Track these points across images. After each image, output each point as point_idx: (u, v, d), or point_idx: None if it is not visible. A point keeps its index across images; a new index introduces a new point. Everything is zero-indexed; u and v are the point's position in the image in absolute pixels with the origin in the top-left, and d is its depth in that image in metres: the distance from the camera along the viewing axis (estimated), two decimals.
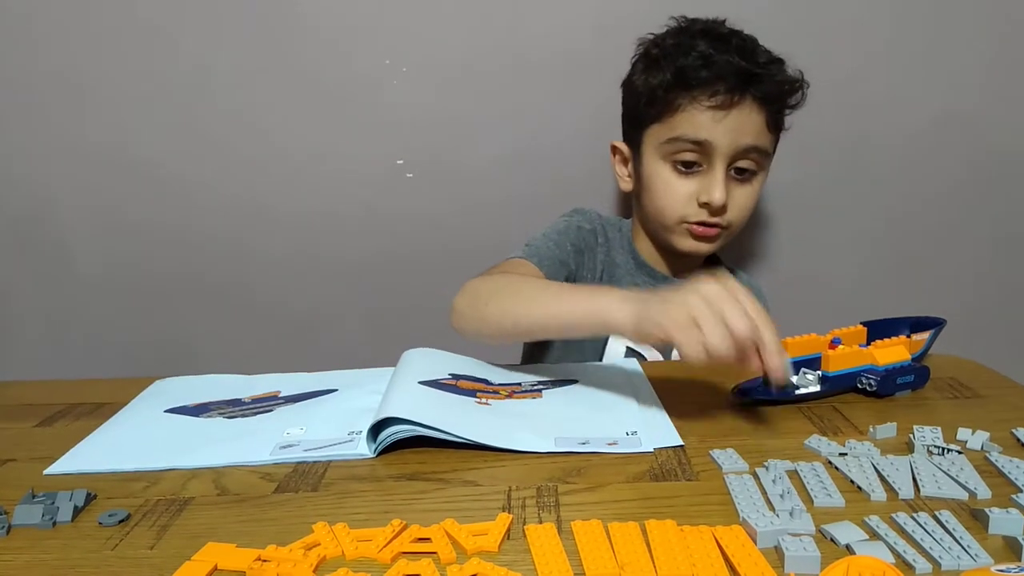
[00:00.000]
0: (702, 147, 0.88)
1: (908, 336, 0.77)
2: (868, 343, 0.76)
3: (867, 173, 1.17)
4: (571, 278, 0.94)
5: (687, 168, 0.90)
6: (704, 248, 0.94)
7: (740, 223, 0.94)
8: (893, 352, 0.72)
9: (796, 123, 1.12)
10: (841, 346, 0.73)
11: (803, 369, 0.72)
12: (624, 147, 0.98)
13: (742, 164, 0.90)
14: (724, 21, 0.93)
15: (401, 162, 1.14)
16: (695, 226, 0.92)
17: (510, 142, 1.13)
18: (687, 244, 0.94)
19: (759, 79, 0.87)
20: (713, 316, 0.60)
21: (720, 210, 0.90)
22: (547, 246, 0.92)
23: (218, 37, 1.08)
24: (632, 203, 1.01)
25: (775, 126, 0.91)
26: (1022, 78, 1.14)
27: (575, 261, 0.95)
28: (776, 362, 0.61)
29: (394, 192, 1.15)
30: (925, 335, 0.78)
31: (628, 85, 0.97)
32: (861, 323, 0.78)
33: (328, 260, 1.18)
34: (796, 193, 1.17)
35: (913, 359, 0.74)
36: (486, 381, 0.78)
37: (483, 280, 0.83)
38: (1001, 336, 1.23)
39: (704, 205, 0.90)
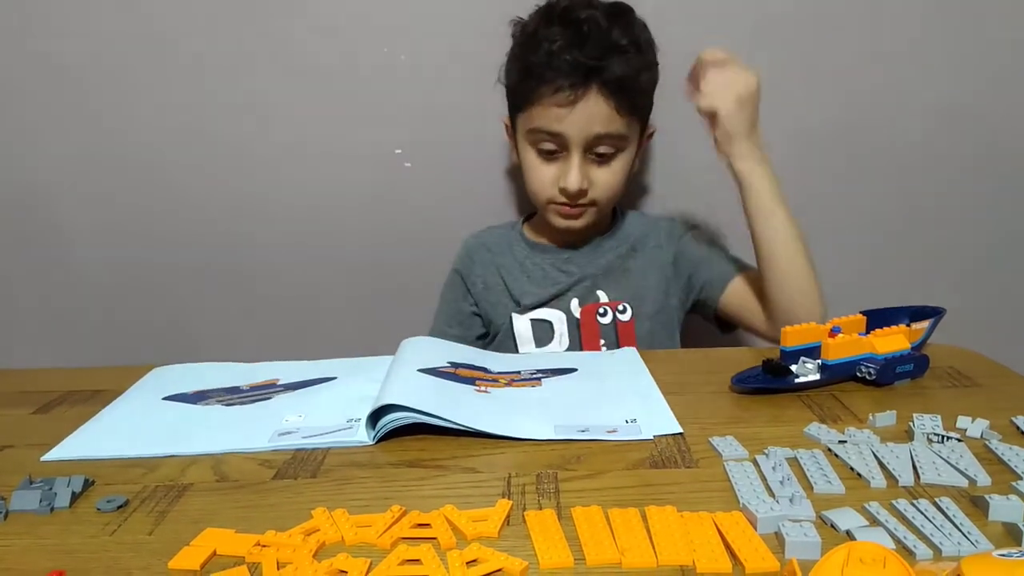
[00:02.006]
0: (557, 137, 0.93)
1: (907, 325, 0.77)
2: (868, 332, 0.76)
3: (866, 163, 1.17)
4: (473, 309, 1.06)
5: (549, 154, 0.95)
6: (575, 225, 0.99)
7: (607, 200, 0.98)
8: (893, 341, 0.72)
9: (795, 114, 1.13)
10: (841, 335, 0.73)
11: (803, 358, 0.72)
12: (509, 125, 1.02)
13: (599, 149, 0.94)
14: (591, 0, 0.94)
15: (399, 151, 1.14)
16: (561, 207, 0.97)
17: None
18: (559, 223, 0.99)
19: (600, 71, 0.89)
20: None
21: (579, 194, 0.95)
22: (448, 324, 1.06)
23: (215, 25, 1.07)
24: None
25: (629, 110, 0.93)
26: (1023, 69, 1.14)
27: (469, 302, 1.06)
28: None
29: (392, 181, 1.14)
30: (924, 324, 0.78)
31: (504, 70, 1.00)
32: (861, 312, 0.78)
33: (327, 249, 1.17)
34: (795, 183, 1.16)
35: (912, 348, 0.74)
36: (485, 369, 0.78)
37: None
38: (1000, 325, 1.23)
39: (563, 190, 0.95)
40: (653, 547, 0.46)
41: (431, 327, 1.07)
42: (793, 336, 0.73)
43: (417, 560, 0.46)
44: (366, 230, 1.16)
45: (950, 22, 1.11)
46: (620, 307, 1.00)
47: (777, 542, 0.47)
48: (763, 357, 0.73)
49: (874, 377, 0.71)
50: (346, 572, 0.45)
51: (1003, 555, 0.36)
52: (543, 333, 1.00)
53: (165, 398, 0.75)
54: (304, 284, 1.19)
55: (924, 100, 1.14)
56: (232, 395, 0.75)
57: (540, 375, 0.77)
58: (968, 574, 0.35)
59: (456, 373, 0.74)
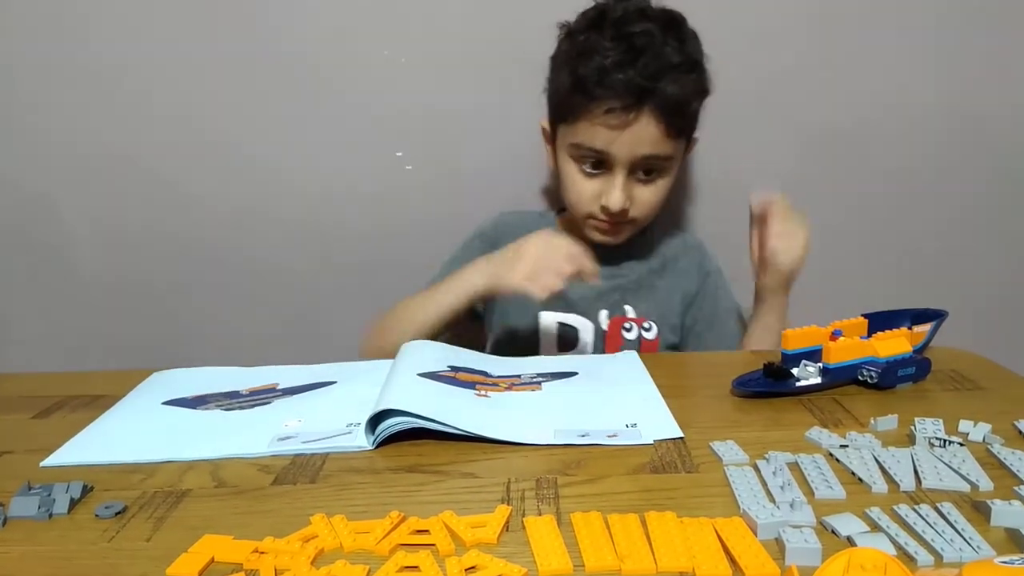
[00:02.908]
0: (601, 155, 0.91)
1: (909, 328, 0.77)
2: (869, 335, 0.75)
3: (869, 164, 1.16)
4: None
5: (592, 169, 0.93)
6: (612, 240, 0.98)
7: (648, 216, 0.97)
8: (894, 344, 0.72)
9: (797, 115, 1.12)
10: (842, 338, 0.73)
11: (804, 361, 0.72)
12: (548, 129, 1.00)
13: (644, 168, 0.92)
14: (644, 8, 0.91)
15: (400, 154, 1.14)
16: (600, 223, 0.96)
17: (510, 133, 1.12)
18: (596, 236, 0.98)
19: (653, 94, 0.87)
20: (547, 265, 0.81)
21: (620, 214, 0.93)
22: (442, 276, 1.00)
23: (215, 26, 1.07)
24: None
25: (677, 132, 0.91)
26: None
27: None
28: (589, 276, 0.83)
29: (393, 184, 1.14)
30: (926, 327, 0.78)
31: (549, 72, 0.98)
32: (862, 315, 0.78)
33: (328, 253, 1.17)
34: (797, 185, 1.16)
35: (914, 351, 0.73)
36: (485, 373, 0.77)
37: (372, 325, 0.95)
38: (1003, 328, 1.22)
39: (605, 208, 0.93)
40: (653, 553, 0.46)
41: (428, 282, 1.00)
42: (794, 339, 0.73)
43: (415, 567, 0.46)
44: (367, 234, 1.16)
45: (950, 21, 1.11)
46: (646, 324, 1.00)
47: (777, 548, 0.46)
48: (764, 360, 0.72)
49: (876, 380, 0.70)
50: None
51: (1005, 562, 0.36)
52: (569, 338, 0.99)
53: (165, 403, 0.74)
54: (304, 289, 1.18)
55: (927, 101, 1.13)
56: (231, 400, 0.75)
57: (540, 379, 0.77)
58: None
59: (456, 377, 0.74)
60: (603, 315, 1.00)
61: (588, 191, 0.94)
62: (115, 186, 1.13)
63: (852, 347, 0.71)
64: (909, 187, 1.18)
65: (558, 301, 0.99)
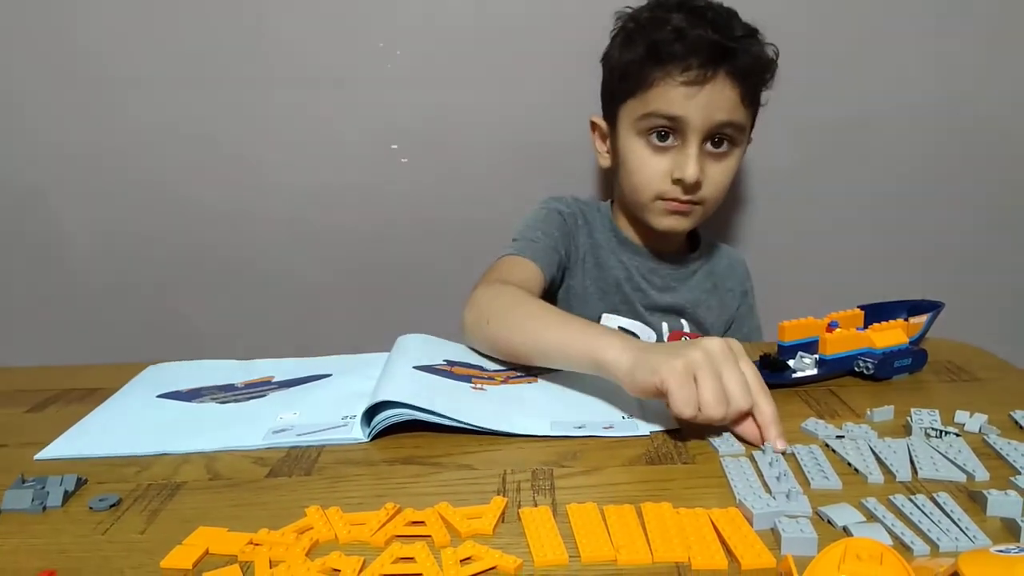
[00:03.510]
0: (676, 122, 0.88)
1: (906, 319, 0.77)
2: (865, 326, 0.75)
3: (866, 156, 1.16)
4: (562, 263, 0.95)
5: (662, 142, 0.89)
6: (680, 225, 0.93)
7: (716, 200, 0.93)
8: (891, 335, 0.72)
9: (794, 105, 1.12)
10: (838, 329, 0.73)
11: (800, 352, 0.72)
12: (602, 123, 0.99)
13: (717, 139, 0.89)
14: None
15: (395, 147, 1.13)
16: (670, 202, 0.91)
17: (506, 126, 1.12)
18: (663, 222, 0.93)
19: (733, 53, 0.86)
20: (712, 374, 0.58)
21: (694, 187, 0.89)
22: (536, 237, 0.92)
23: (211, 23, 1.07)
24: (612, 181, 1.01)
25: (750, 101, 0.90)
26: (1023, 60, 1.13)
27: (563, 246, 0.95)
28: (774, 433, 0.58)
29: (389, 178, 1.14)
30: (923, 318, 0.78)
31: (606, 60, 0.96)
32: (858, 306, 0.78)
33: (322, 246, 1.17)
34: (794, 176, 1.16)
35: (911, 342, 0.73)
36: (481, 367, 0.77)
37: (486, 295, 0.81)
38: (999, 319, 1.22)
39: (677, 182, 0.89)
40: (649, 544, 0.46)
41: (517, 232, 0.93)
42: (791, 331, 0.73)
43: (411, 558, 0.45)
44: (361, 227, 1.15)
45: (950, 19, 1.10)
46: None
47: (773, 538, 0.46)
48: (760, 352, 0.72)
49: (872, 372, 0.70)
50: (339, 571, 0.45)
51: (1001, 551, 0.36)
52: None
53: (159, 396, 0.74)
54: (299, 281, 1.18)
55: (925, 95, 1.13)
56: (226, 392, 0.75)
57: (536, 372, 0.76)
58: (965, 570, 0.35)
59: (452, 371, 0.74)
60: (664, 327, 0.99)
61: (659, 167, 0.90)
62: (109, 182, 1.13)
63: (848, 338, 0.71)
64: (906, 179, 1.17)
65: (625, 306, 0.98)
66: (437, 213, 1.14)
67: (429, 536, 0.48)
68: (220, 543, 0.48)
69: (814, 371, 0.71)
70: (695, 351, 0.58)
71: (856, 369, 0.72)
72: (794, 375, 0.70)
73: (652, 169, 0.90)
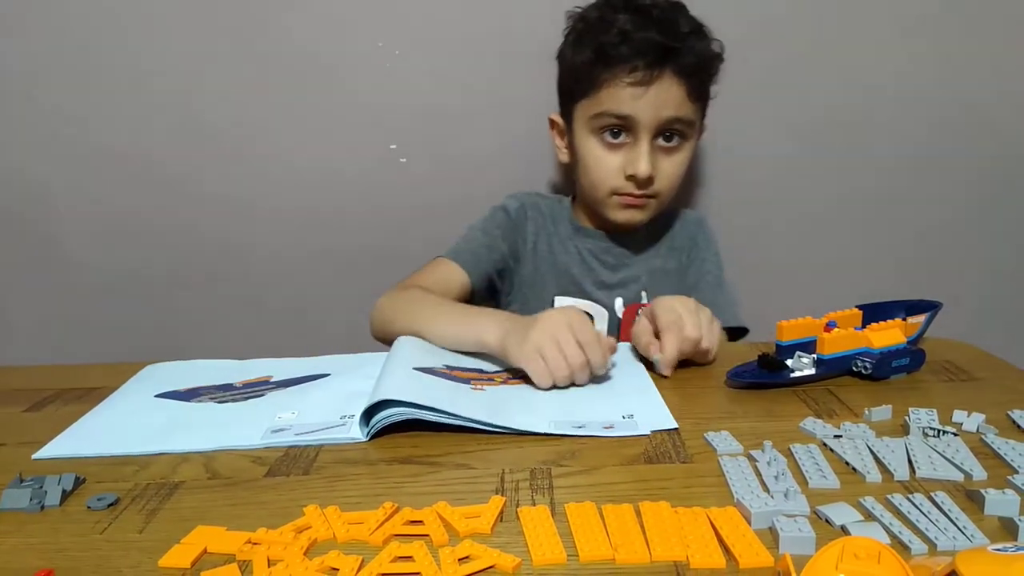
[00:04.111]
0: (626, 121, 0.91)
1: (904, 319, 0.77)
2: (863, 326, 0.75)
3: (864, 156, 1.16)
4: (505, 258, 1.01)
5: (614, 139, 0.92)
6: (636, 218, 0.97)
7: (670, 192, 0.97)
8: (889, 335, 0.72)
9: (793, 105, 1.12)
10: (836, 329, 0.73)
11: (798, 352, 0.72)
12: (560, 120, 1.01)
13: (666, 136, 0.93)
14: None
15: (394, 147, 1.13)
16: (625, 197, 0.95)
17: (503, 125, 1.12)
18: (620, 215, 0.97)
19: (678, 53, 0.88)
20: (552, 344, 0.71)
21: (647, 182, 0.93)
22: (471, 238, 0.99)
23: (209, 23, 1.07)
24: (572, 176, 1.03)
25: (697, 96, 0.93)
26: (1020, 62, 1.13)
27: (506, 241, 1.00)
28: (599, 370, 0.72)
29: (388, 177, 1.14)
30: (921, 318, 0.78)
31: (560, 59, 0.98)
32: (856, 306, 0.78)
33: (321, 246, 1.17)
34: (792, 177, 1.17)
35: (909, 342, 0.73)
36: (480, 370, 0.77)
37: (389, 299, 0.90)
38: (997, 319, 1.23)
39: (631, 178, 0.92)
40: (647, 543, 0.46)
41: (448, 247, 0.99)
42: (789, 330, 0.73)
43: (409, 557, 0.45)
44: (359, 227, 1.15)
45: (950, 18, 1.10)
46: None
47: (771, 537, 0.46)
48: (758, 351, 0.72)
49: (870, 371, 0.70)
50: (337, 570, 0.45)
51: (998, 549, 0.36)
52: None
53: (158, 395, 0.74)
54: (298, 281, 1.18)
55: (921, 95, 1.13)
56: (225, 392, 0.75)
57: None
58: (963, 569, 0.35)
59: (451, 373, 0.73)
60: (619, 302, 1.00)
61: (612, 164, 0.93)
62: (108, 178, 1.13)
63: (846, 338, 0.72)
64: (904, 178, 1.18)
65: (574, 287, 1.01)
66: (437, 213, 1.14)
67: (427, 535, 0.48)
68: (218, 542, 0.48)
69: (812, 371, 0.71)
70: (534, 331, 0.71)
71: (854, 369, 0.72)
72: (792, 375, 0.70)
73: (606, 166, 0.94)
